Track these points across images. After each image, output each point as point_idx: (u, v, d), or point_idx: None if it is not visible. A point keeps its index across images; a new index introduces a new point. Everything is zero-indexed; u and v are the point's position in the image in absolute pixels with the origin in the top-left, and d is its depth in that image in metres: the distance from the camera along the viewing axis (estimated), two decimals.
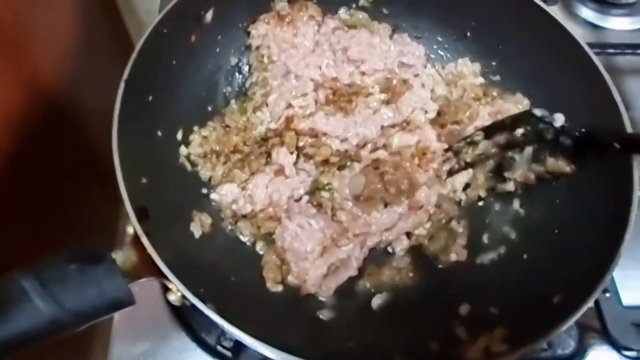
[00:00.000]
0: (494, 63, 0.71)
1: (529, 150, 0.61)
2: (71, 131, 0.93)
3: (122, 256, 0.43)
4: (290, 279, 0.58)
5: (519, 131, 0.61)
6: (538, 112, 0.60)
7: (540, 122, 0.59)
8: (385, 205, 0.62)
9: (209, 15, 0.65)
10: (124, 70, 0.53)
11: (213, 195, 0.63)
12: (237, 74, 0.71)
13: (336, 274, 0.59)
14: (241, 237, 0.62)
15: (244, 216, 0.62)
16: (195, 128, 0.65)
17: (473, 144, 0.64)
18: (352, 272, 0.59)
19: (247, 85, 0.70)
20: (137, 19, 1.18)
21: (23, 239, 0.75)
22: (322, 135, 0.65)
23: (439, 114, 0.68)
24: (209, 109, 0.68)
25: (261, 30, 0.68)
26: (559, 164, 0.59)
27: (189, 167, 0.63)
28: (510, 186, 0.63)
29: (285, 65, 0.68)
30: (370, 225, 0.61)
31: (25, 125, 0.74)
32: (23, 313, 0.36)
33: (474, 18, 0.70)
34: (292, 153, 0.63)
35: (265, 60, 0.69)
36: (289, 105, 0.66)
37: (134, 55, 0.54)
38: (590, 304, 0.46)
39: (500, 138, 0.62)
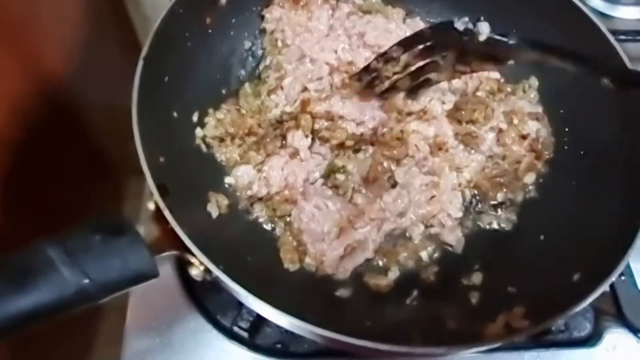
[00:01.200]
0: None
1: (452, 55, 0.61)
2: (74, 123, 0.93)
3: (145, 230, 0.43)
4: (308, 260, 0.58)
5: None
6: (460, 25, 0.59)
7: (463, 35, 0.58)
8: (393, 186, 0.62)
9: None
10: (142, 49, 0.53)
11: (228, 179, 0.62)
12: (250, 58, 0.71)
13: (352, 255, 0.59)
14: (258, 219, 0.62)
15: (260, 199, 0.62)
16: (210, 111, 0.65)
17: (392, 60, 0.62)
18: (369, 254, 0.59)
19: (260, 68, 0.70)
20: (143, 13, 1.17)
21: (24, 231, 0.75)
22: (338, 118, 0.64)
23: (455, 108, 0.67)
24: (223, 92, 0.68)
25: (275, 14, 0.68)
26: (486, 66, 0.61)
27: (204, 149, 0.63)
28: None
29: (300, 49, 0.68)
30: (384, 210, 0.61)
31: (30, 117, 0.74)
32: (50, 282, 0.36)
33: (487, 2, 0.70)
34: (307, 136, 0.63)
35: (280, 44, 0.69)
36: (305, 89, 0.65)
37: (151, 34, 0.54)
38: (611, 280, 0.46)
39: (419, 50, 0.61)
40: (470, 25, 0.58)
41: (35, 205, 0.79)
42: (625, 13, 0.90)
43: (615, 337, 0.59)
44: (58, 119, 0.84)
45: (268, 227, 0.62)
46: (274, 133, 0.64)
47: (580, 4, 0.64)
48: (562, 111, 0.67)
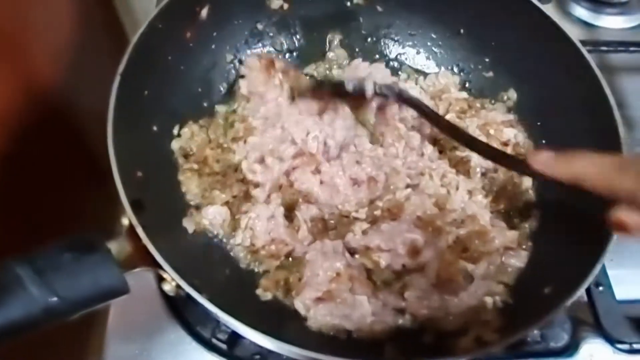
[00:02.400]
0: (487, 59, 0.72)
1: None
2: (67, 130, 0.93)
3: (117, 246, 0.43)
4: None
5: None
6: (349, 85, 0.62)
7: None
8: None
9: (204, 12, 0.65)
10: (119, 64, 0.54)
11: (200, 218, 0.59)
12: (232, 71, 0.71)
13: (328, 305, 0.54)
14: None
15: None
16: (190, 122, 0.65)
17: None
18: (349, 324, 0.53)
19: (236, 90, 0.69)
20: (134, 19, 1.18)
21: (18, 238, 0.75)
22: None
23: (434, 140, 0.67)
24: (205, 104, 0.68)
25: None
26: None
27: (182, 162, 0.63)
28: None
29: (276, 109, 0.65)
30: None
31: (20, 124, 0.74)
32: (17, 300, 0.36)
33: (468, 15, 0.71)
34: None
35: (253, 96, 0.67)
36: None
37: (129, 49, 0.55)
38: (580, 292, 0.47)
39: None
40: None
41: (29, 213, 0.79)
42: (610, 22, 0.90)
43: (593, 348, 0.60)
44: (50, 126, 0.85)
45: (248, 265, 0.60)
46: (234, 177, 0.62)
47: (558, 18, 0.65)
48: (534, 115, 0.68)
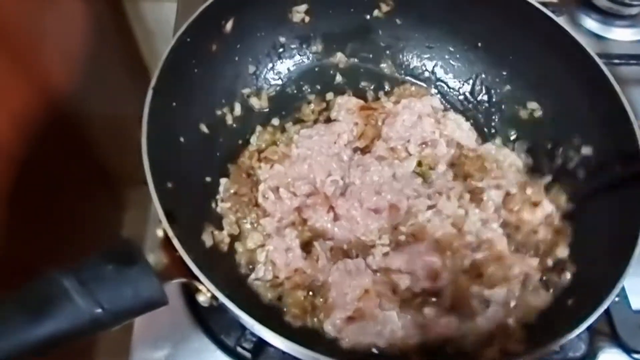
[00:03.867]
0: (504, 73, 0.73)
1: None
2: (78, 135, 0.94)
3: (154, 258, 0.44)
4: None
5: None
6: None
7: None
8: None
9: (229, 25, 0.67)
10: (151, 79, 0.55)
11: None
12: (255, 81, 0.73)
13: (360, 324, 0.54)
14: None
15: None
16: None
17: None
18: (381, 341, 0.53)
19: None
20: (146, 28, 1.19)
21: (27, 241, 0.76)
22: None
23: None
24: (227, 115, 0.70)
25: None
26: None
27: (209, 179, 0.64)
28: None
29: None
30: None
31: (34, 131, 0.75)
32: (65, 311, 0.37)
33: (485, 28, 0.72)
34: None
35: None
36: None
37: (160, 64, 0.56)
38: (605, 306, 0.48)
39: None
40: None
41: (38, 216, 0.80)
42: (620, 35, 0.92)
43: (610, 357, 0.60)
44: (62, 132, 0.86)
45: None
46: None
47: (571, 30, 0.66)
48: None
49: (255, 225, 0.62)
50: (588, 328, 0.60)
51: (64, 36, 0.87)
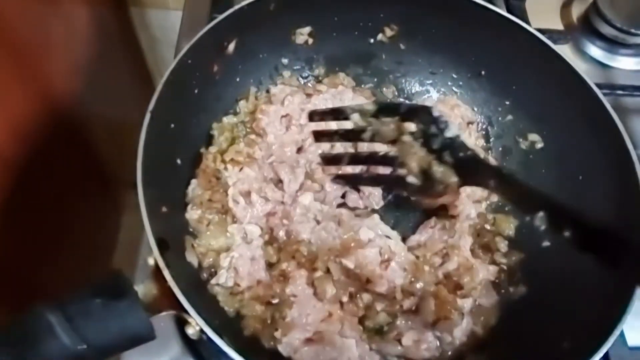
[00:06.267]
0: (507, 102, 0.72)
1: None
2: (79, 140, 0.94)
3: (143, 289, 0.44)
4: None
5: (410, 125, 0.55)
6: (436, 112, 0.55)
7: (432, 124, 0.54)
8: None
9: (231, 46, 0.66)
10: (150, 102, 0.54)
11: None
12: (256, 102, 0.71)
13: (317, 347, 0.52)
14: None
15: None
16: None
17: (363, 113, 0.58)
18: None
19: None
20: (151, 35, 1.19)
21: (25, 245, 0.76)
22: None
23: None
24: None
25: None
26: (445, 173, 0.54)
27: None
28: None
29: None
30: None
31: (35, 137, 0.75)
32: (50, 347, 0.37)
33: (489, 57, 0.72)
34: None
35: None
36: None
37: (159, 87, 0.55)
38: (603, 352, 0.47)
39: (390, 120, 0.56)
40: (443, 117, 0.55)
41: (36, 220, 0.79)
42: (625, 64, 0.91)
43: None
44: (63, 138, 0.86)
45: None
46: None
47: (574, 58, 0.65)
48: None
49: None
50: None
51: (68, 42, 0.87)
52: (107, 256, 1.08)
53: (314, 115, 0.60)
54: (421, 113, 0.55)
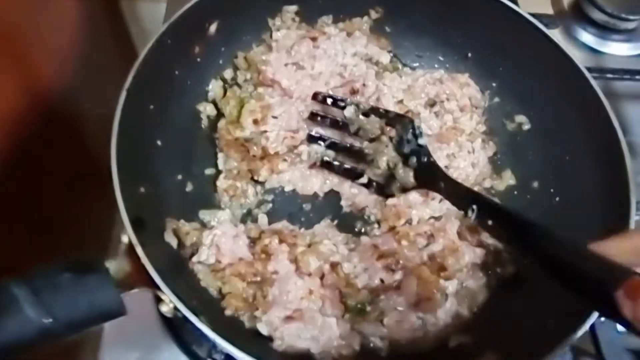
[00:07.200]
0: (494, 84, 0.71)
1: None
2: (70, 137, 0.93)
3: (116, 265, 0.43)
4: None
5: (392, 131, 0.63)
6: (417, 122, 0.63)
7: (411, 130, 0.61)
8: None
9: (213, 27, 0.65)
10: (126, 79, 0.53)
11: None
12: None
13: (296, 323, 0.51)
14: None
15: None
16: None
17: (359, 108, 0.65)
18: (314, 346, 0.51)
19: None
20: (141, 27, 1.18)
21: (18, 242, 0.75)
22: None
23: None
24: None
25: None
26: (406, 175, 0.60)
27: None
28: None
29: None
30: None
31: (23, 130, 0.74)
32: (13, 321, 0.36)
33: (476, 39, 0.71)
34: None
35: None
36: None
37: (136, 65, 0.55)
38: (584, 330, 0.46)
39: (376, 120, 0.63)
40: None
41: (27, 216, 0.78)
42: (616, 49, 0.90)
43: None
44: (53, 130, 0.84)
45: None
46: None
47: (564, 43, 0.65)
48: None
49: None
50: (572, 348, 0.60)
51: (56, 34, 0.86)
52: (99, 251, 1.07)
53: (317, 96, 0.67)
54: (406, 123, 0.62)
